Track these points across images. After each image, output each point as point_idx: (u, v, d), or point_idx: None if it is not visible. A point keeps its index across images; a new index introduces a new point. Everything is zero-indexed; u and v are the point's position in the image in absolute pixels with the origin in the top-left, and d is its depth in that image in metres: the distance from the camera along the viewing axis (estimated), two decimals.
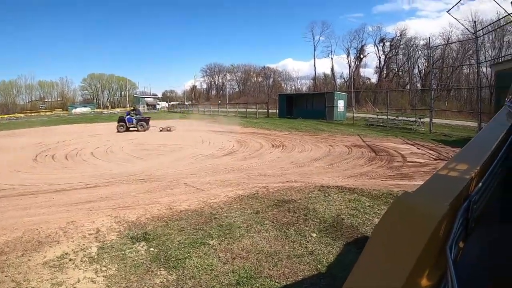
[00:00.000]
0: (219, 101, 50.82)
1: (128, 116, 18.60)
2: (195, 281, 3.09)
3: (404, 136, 14.67)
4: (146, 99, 61.49)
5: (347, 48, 60.14)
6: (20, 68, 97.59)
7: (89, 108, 57.09)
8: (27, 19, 73.27)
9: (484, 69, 29.92)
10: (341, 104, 25.81)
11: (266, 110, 32.20)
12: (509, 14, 13.52)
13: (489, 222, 1.19)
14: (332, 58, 61.67)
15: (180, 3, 78.86)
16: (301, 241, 3.88)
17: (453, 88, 41.88)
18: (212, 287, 2.99)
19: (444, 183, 0.88)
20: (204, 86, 74.59)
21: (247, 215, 4.75)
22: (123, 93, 71.02)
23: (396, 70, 56.34)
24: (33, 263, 3.45)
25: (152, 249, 3.75)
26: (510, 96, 2.20)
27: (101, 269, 3.32)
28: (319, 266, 3.33)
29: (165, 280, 3.13)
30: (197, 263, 3.40)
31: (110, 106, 65.62)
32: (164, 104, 60.51)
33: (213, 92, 72.08)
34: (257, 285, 3.02)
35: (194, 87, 73.35)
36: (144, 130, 18.48)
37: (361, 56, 58.97)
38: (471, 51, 39.44)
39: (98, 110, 56.43)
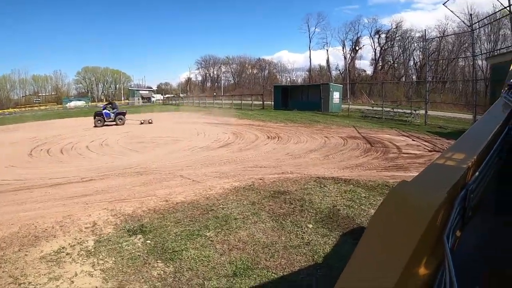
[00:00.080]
0: (214, 93, 50.45)
1: (105, 110, 18.26)
2: (192, 272, 3.11)
3: (399, 128, 14.72)
4: (141, 91, 61.10)
5: (343, 40, 60.06)
6: (14, 62, 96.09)
7: (84, 102, 56.46)
8: (19, 13, 71.68)
9: (479, 62, 29.94)
10: (336, 96, 25.78)
11: (261, 102, 31.91)
12: (505, 7, 13.49)
13: (484, 214, 1.20)
14: (327, 50, 61.55)
15: None
16: (298, 232, 3.91)
17: (448, 81, 42.05)
18: (209, 278, 3.01)
19: (440, 172, 0.88)
20: (199, 78, 74.18)
21: (243, 206, 4.76)
22: (117, 86, 70.23)
23: (392, 62, 56.36)
24: (30, 258, 3.43)
25: (148, 241, 3.76)
26: (505, 88, 2.20)
27: (98, 263, 3.32)
28: (315, 257, 3.36)
29: (162, 272, 3.14)
30: (194, 254, 3.42)
31: (105, 100, 64.92)
32: (159, 96, 60.04)
33: (208, 84, 71.50)
34: (254, 276, 3.05)
35: (189, 79, 72.81)
36: (123, 124, 18.25)
37: (357, 48, 58.87)
38: (466, 44, 39.53)
39: (93, 103, 55.78)
